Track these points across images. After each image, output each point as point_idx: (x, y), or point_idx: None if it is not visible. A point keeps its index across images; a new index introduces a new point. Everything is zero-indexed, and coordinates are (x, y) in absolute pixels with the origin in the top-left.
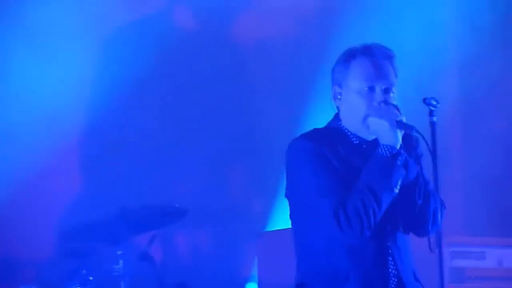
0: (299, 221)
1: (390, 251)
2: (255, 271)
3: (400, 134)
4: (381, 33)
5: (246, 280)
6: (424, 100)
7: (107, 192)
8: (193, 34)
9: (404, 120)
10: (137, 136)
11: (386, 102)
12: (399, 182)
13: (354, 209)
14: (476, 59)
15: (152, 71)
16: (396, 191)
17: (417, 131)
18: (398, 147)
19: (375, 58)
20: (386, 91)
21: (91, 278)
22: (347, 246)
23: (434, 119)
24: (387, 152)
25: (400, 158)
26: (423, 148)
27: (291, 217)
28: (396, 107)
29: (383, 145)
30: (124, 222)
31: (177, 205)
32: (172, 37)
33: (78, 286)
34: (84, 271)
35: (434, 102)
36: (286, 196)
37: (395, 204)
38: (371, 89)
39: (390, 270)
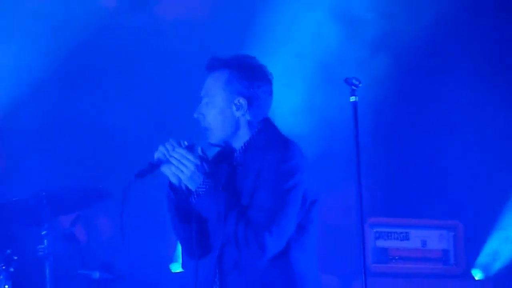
0: None
1: (216, 272)
2: (178, 252)
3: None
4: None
5: (170, 260)
6: (346, 79)
7: (31, 174)
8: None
9: (160, 156)
10: (62, 116)
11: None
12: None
13: None
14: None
15: (76, 48)
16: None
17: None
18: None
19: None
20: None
21: (15, 257)
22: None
23: (356, 98)
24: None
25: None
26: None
27: None
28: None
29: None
30: (48, 203)
31: (100, 186)
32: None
33: (2, 266)
34: (8, 251)
35: (355, 82)
36: None
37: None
38: None
39: None
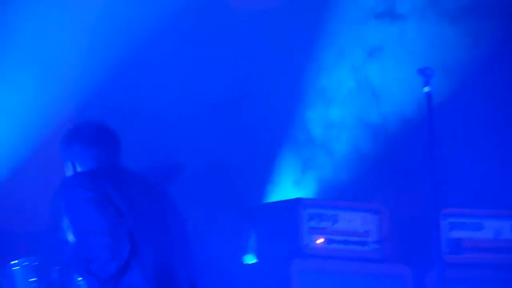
0: None
1: None
2: (252, 243)
3: None
4: None
5: (244, 252)
6: (419, 70)
7: None
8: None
9: None
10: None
11: None
12: None
13: None
14: None
15: (153, 38)
16: None
17: None
18: None
19: None
20: None
21: None
22: None
23: (429, 89)
24: None
25: None
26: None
27: None
28: None
29: None
30: None
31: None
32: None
33: None
34: None
35: (428, 72)
36: None
37: None
38: None
39: None
